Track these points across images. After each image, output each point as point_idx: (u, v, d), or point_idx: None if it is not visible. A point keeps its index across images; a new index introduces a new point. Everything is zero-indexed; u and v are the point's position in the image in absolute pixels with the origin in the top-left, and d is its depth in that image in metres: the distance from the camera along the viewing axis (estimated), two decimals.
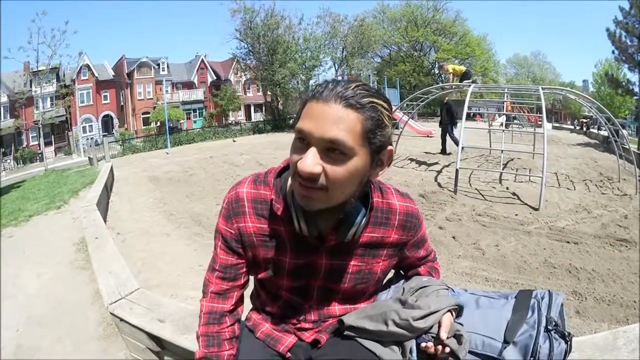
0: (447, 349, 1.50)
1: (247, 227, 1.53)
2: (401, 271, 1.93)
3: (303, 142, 1.24)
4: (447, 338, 1.50)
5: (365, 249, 1.58)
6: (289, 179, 1.43)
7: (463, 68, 17.60)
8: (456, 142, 15.18)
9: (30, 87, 38.46)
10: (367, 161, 1.28)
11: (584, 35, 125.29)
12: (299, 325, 1.69)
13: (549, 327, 1.56)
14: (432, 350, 1.50)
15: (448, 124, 16.35)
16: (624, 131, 16.91)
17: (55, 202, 10.46)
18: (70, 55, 32.94)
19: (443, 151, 16.63)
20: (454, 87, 16.95)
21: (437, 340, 1.51)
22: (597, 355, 2.04)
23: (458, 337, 1.50)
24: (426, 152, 17.05)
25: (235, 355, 1.64)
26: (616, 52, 26.41)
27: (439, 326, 1.52)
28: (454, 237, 7.21)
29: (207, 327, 1.62)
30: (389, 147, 1.34)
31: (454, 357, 1.48)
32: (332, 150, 1.20)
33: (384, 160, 1.36)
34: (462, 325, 1.58)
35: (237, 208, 1.53)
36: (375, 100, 1.24)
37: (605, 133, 17.45)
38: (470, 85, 13.62)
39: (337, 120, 1.18)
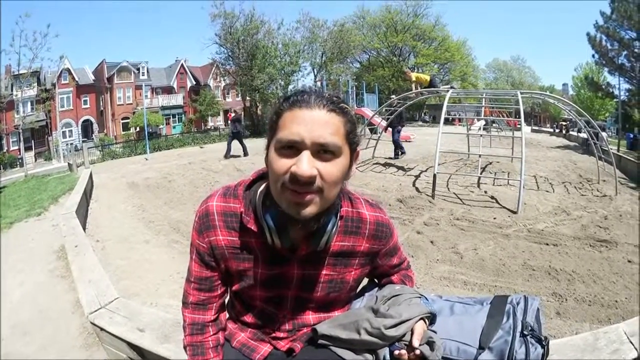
0: (419, 354, 1.50)
1: (218, 241, 1.57)
2: (375, 279, 1.96)
3: (291, 149, 1.28)
4: (420, 345, 1.50)
5: (337, 258, 1.61)
6: (259, 191, 1.54)
7: (427, 77, 17.68)
8: (399, 147, 16.10)
9: (11, 90, 38.03)
10: (348, 160, 1.38)
11: (564, 39, 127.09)
12: (273, 335, 1.72)
13: (525, 332, 1.57)
14: (405, 357, 1.50)
15: (395, 127, 16.61)
16: (604, 133, 17.20)
17: (36, 208, 10.33)
18: (51, 58, 32.99)
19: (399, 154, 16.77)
20: (431, 92, 16.96)
21: (410, 347, 1.51)
22: (577, 356, 2.09)
23: (431, 344, 1.50)
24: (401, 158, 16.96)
25: None
26: (596, 56, 26.98)
27: (412, 334, 1.53)
28: (432, 242, 7.17)
29: (191, 337, 1.69)
30: (358, 148, 1.44)
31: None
32: (323, 152, 1.28)
33: (355, 160, 1.44)
34: (435, 332, 1.60)
35: (208, 222, 1.57)
36: (346, 106, 1.37)
37: (585, 135, 17.64)
38: (448, 90, 13.69)
39: (325, 124, 1.28)
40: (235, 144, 18.65)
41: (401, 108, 16.89)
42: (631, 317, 3.77)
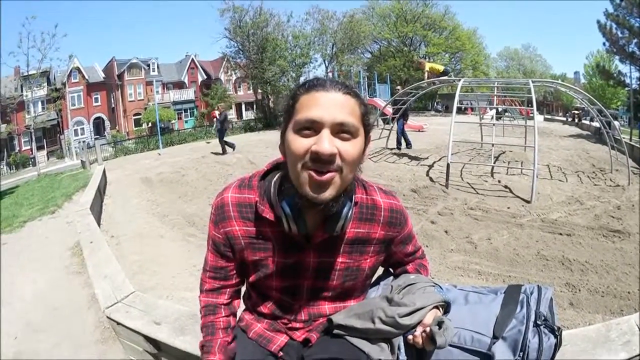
0: (429, 332, 1.50)
1: (234, 231, 1.60)
2: (390, 269, 1.96)
3: (309, 130, 1.32)
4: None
5: (352, 245, 1.62)
6: (273, 181, 1.55)
7: (441, 68, 17.58)
8: (406, 140, 16.06)
9: (22, 91, 38.15)
10: (364, 142, 1.42)
11: (574, 27, 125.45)
12: (290, 325, 1.73)
13: (538, 322, 1.56)
14: (418, 339, 1.52)
15: (399, 120, 16.47)
16: (616, 122, 16.96)
17: (49, 206, 10.35)
18: (60, 58, 33.13)
19: (402, 146, 16.63)
20: (442, 82, 16.83)
21: (422, 325, 1.54)
22: (589, 347, 2.06)
23: (440, 324, 1.48)
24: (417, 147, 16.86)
25: (231, 343, 1.73)
26: (607, 44, 26.56)
27: None
28: (446, 232, 7.20)
29: (204, 318, 1.74)
30: (370, 133, 1.47)
31: (432, 341, 1.46)
32: (342, 132, 1.32)
33: (367, 145, 1.46)
34: (449, 320, 1.55)
35: (223, 213, 1.60)
36: (357, 91, 1.41)
37: (597, 124, 17.46)
38: (460, 79, 13.60)
39: (343, 105, 1.33)
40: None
41: (410, 100, 16.85)
42: None
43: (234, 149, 18.04)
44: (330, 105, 1.31)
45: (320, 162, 1.29)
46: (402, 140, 16.50)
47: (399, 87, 22.06)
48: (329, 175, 1.31)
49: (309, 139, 1.30)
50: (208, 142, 24.32)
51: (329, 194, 1.34)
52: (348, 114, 1.32)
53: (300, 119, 1.32)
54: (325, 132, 1.29)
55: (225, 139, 18.62)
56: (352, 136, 1.33)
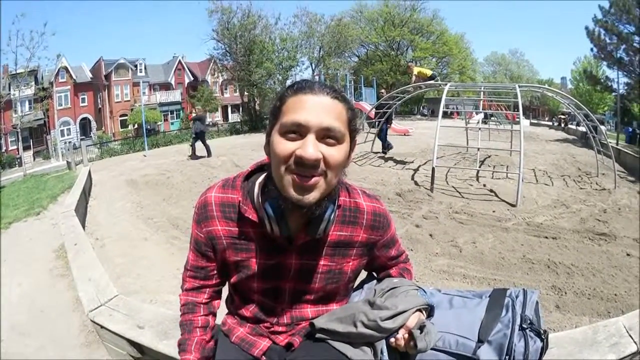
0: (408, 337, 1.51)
1: (216, 231, 1.59)
2: (373, 273, 1.96)
3: (295, 134, 1.29)
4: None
5: (335, 248, 1.62)
6: (257, 182, 1.55)
7: (429, 72, 17.62)
8: (384, 144, 16.04)
9: (9, 90, 37.86)
10: (349, 148, 1.40)
11: (562, 33, 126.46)
12: (272, 329, 1.73)
13: (524, 326, 1.57)
14: (400, 342, 1.51)
15: (384, 124, 16.53)
16: (603, 127, 17.16)
17: (35, 208, 10.27)
18: (48, 57, 32.85)
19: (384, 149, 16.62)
20: (429, 85, 16.90)
21: (405, 329, 1.53)
22: (576, 350, 2.07)
23: (421, 328, 1.49)
24: (402, 151, 16.94)
25: (209, 342, 1.75)
26: (595, 49, 26.81)
27: None
28: (431, 235, 7.19)
29: (183, 316, 1.76)
30: (357, 137, 1.46)
31: (414, 345, 1.46)
32: (327, 137, 1.30)
33: (352, 149, 1.44)
34: (432, 324, 1.57)
35: (206, 213, 1.60)
36: (345, 95, 1.39)
37: (584, 129, 17.62)
38: (447, 84, 13.66)
39: (330, 109, 1.31)
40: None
41: (397, 104, 16.92)
42: (630, 310, 3.78)
43: (210, 155, 17.68)
44: (317, 109, 1.29)
45: (304, 166, 1.27)
46: (387, 144, 16.55)
47: (383, 91, 22.16)
48: (313, 180, 1.30)
49: (294, 143, 1.29)
50: (191, 145, 24.35)
51: (312, 197, 1.33)
52: (335, 119, 1.30)
53: (286, 122, 1.30)
54: (311, 137, 1.27)
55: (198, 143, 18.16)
56: (338, 142, 1.32)
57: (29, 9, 55.58)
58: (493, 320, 1.60)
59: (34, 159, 42.40)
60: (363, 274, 1.90)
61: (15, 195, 14.50)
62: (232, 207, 1.57)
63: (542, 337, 1.55)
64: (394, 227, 1.79)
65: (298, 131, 1.28)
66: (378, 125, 16.41)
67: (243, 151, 19.09)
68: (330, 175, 1.33)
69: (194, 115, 18.85)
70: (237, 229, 1.57)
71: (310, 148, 1.25)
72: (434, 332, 1.49)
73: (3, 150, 41.06)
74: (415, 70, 17.74)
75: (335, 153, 1.31)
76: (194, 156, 17.67)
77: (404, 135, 23.04)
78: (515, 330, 1.55)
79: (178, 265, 5.97)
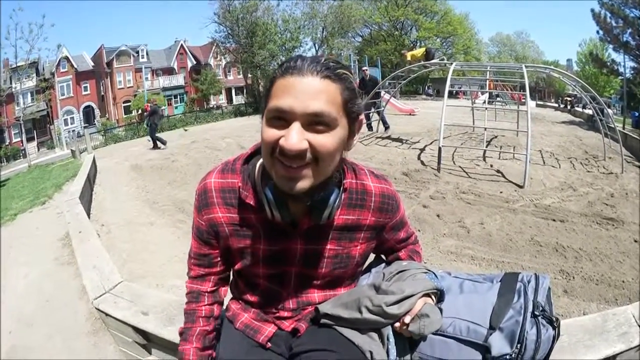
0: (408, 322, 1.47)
1: (217, 218, 1.54)
2: (382, 255, 1.90)
3: (280, 120, 1.21)
4: (411, 321, 1.46)
5: (342, 232, 1.55)
6: (257, 165, 1.50)
7: (421, 50, 17.71)
8: (369, 124, 16.35)
9: (10, 83, 37.98)
10: (347, 131, 1.29)
11: (568, 15, 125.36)
12: (278, 314, 1.68)
13: (536, 312, 1.53)
14: (404, 327, 1.48)
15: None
16: (609, 110, 16.96)
17: (40, 198, 10.24)
18: (48, 48, 32.89)
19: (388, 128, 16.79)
20: (434, 65, 16.81)
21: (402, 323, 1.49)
22: (586, 338, 2.04)
23: (421, 317, 1.46)
24: (408, 131, 16.93)
25: (211, 332, 1.70)
26: (601, 32, 26.64)
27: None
28: (438, 216, 7.18)
29: (187, 305, 1.70)
30: (360, 117, 1.35)
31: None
32: (316, 123, 1.20)
33: (356, 130, 1.35)
34: (441, 309, 1.55)
35: (206, 199, 1.54)
36: (346, 72, 1.26)
37: (590, 111, 17.54)
38: (452, 63, 13.57)
39: (319, 92, 1.18)
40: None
41: (402, 83, 16.91)
42: (637, 298, 3.76)
43: (165, 145, 17.30)
44: (303, 94, 1.18)
45: (288, 157, 1.20)
46: (387, 121, 16.77)
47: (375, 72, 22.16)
48: (299, 170, 1.23)
49: (280, 131, 1.21)
50: (186, 130, 24.26)
51: (301, 186, 1.26)
52: (325, 103, 1.19)
53: (271, 108, 1.22)
54: (296, 125, 1.18)
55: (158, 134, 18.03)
56: (329, 127, 1.21)
57: (27, 1, 55.57)
58: (505, 306, 1.55)
59: (39, 150, 42.69)
60: (371, 257, 1.83)
61: (20, 186, 14.55)
62: (233, 193, 1.51)
63: (555, 324, 1.51)
64: (403, 209, 1.72)
65: (283, 118, 1.20)
66: (382, 106, 16.44)
67: (248, 133, 19.13)
68: (323, 164, 1.25)
69: (150, 106, 18.37)
70: (238, 215, 1.52)
71: (293, 138, 1.17)
72: (435, 316, 1.46)
73: (7, 144, 41.21)
74: (408, 55, 17.95)
75: (326, 140, 1.21)
76: (156, 146, 17.48)
77: (410, 115, 22.97)
78: (528, 317, 1.50)
79: (184, 249, 5.95)
